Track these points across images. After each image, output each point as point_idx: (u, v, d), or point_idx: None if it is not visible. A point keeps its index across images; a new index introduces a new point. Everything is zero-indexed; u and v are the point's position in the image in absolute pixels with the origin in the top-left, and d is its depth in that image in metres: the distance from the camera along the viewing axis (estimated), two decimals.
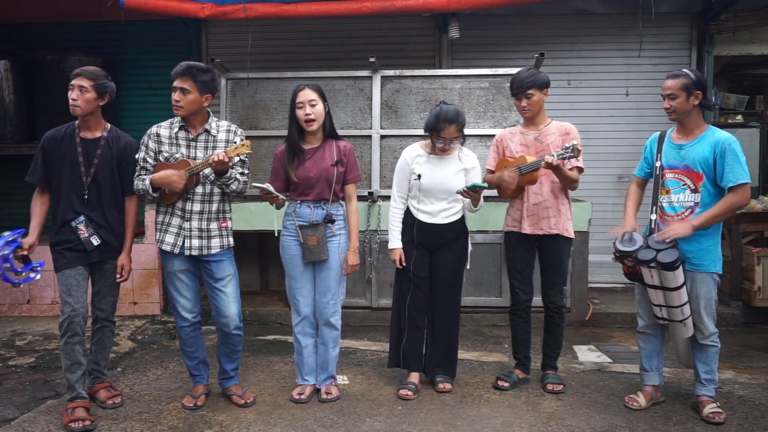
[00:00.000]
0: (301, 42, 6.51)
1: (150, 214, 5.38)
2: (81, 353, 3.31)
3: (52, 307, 5.46)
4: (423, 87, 5.53)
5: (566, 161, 3.46)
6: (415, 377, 3.75)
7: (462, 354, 4.22)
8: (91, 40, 6.60)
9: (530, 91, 3.56)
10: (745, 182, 3.16)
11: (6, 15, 6.46)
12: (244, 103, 5.69)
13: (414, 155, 3.67)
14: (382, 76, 5.53)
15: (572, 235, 3.71)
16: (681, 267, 3.19)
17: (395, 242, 3.70)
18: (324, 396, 3.60)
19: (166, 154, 3.33)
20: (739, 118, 8.14)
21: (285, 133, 3.66)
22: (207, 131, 3.37)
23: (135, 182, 3.37)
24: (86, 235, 3.33)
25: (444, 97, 5.39)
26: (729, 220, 5.30)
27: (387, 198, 4.70)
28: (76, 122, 3.40)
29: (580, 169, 3.60)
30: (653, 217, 3.36)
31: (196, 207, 3.35)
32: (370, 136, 5.51)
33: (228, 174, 3.25)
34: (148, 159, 3.36)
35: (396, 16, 6.22)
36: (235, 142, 3.34)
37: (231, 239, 3.47)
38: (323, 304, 3.57)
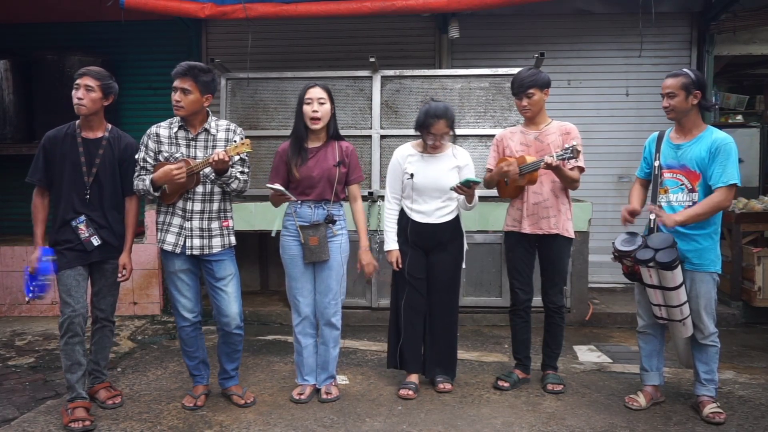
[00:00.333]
0: (301, 42, 6.51)
1: (150, 214, 5.38)
2: (81, 353, 3.31)
3: (52, 307, 5.45)
4: (423, 87, 5.53)
5: (566, 162, 3.46)
6: (414, 377, 3.74)
7: (462, 354, 4.22)
8: (91, 40, 6.61)
9: (531, 91, 3.56)
10: (731, 184, 3.15)
11: (6, 15, 6.45)
12: (244, 103, 5.69)
13: (406, 155, 3.66)
14: (382, 76, 5.53)
15: (572, 235, 3.71)
16: (679, 266, 3.19)
17: (391, 244, 3.69)
18: (324, 396, 3.60)
19: (165, 154, 3.33)
20: (739, 118, 8.14)
21: (285, 133, 3.66)
22: (206, 131, 3.37)
23: (135, 182, 3.37)
24: (86, 235, 3.33)
25: (444, 97, 5.39)
26: (729, 220, 5.31)
27: None
28: (77, 122, 3.40)
29: (581, 169, 3.60)
30: (653, 216, 3.36)
31: (197, 206, 3.35)
32: (370, 136, 5.51)
33: (228, 173, 3.25)
34: (148, 159, 3.35)
35: (396, 16, 6.22)
36: (234, 141, 3.34)
37: (232, 238, 3.47)
38: (324, 305, 3.56)
